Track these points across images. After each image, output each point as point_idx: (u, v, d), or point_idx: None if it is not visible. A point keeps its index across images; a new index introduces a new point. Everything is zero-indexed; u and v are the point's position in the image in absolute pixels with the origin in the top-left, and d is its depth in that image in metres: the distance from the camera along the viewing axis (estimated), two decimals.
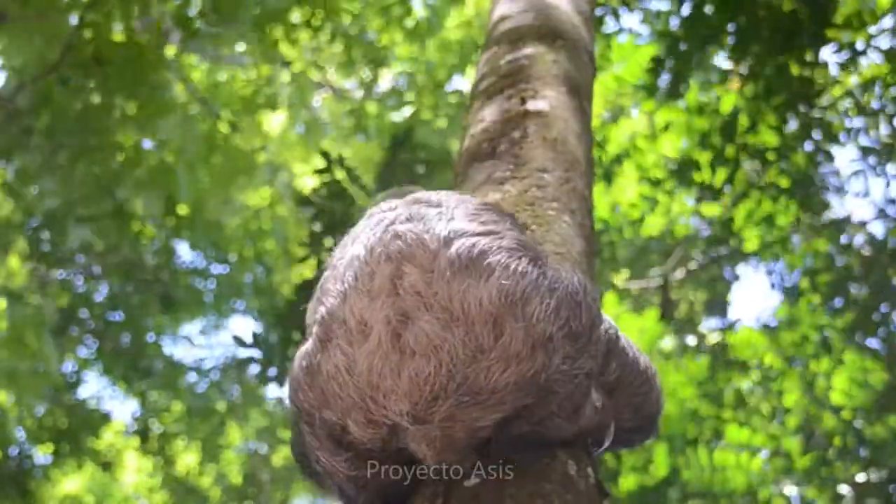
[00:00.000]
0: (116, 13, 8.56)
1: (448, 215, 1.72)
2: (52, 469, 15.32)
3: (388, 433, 1.61)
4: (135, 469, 17.62)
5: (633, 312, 10.46)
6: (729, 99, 8.06)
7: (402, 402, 1.57)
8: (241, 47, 10.26)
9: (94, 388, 32.92)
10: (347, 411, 1.62)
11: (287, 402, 1.80)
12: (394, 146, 10.52)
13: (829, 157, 8.09)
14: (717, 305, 13.15)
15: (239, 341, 8.58)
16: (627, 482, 9.16)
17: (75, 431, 15.07)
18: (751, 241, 9.68)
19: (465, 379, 1.56)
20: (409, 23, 11.93)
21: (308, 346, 1.72)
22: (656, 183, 8.34)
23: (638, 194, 9.50)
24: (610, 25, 8.11)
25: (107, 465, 16.64)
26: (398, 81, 13.57)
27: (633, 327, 9.74)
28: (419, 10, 12.39)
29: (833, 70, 7.78)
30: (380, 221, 1.74)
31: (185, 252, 16.48)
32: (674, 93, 7.48)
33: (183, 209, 12.70)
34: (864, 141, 8.67)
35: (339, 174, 8.42)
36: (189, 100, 10.53)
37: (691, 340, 11.79)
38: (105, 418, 15.86)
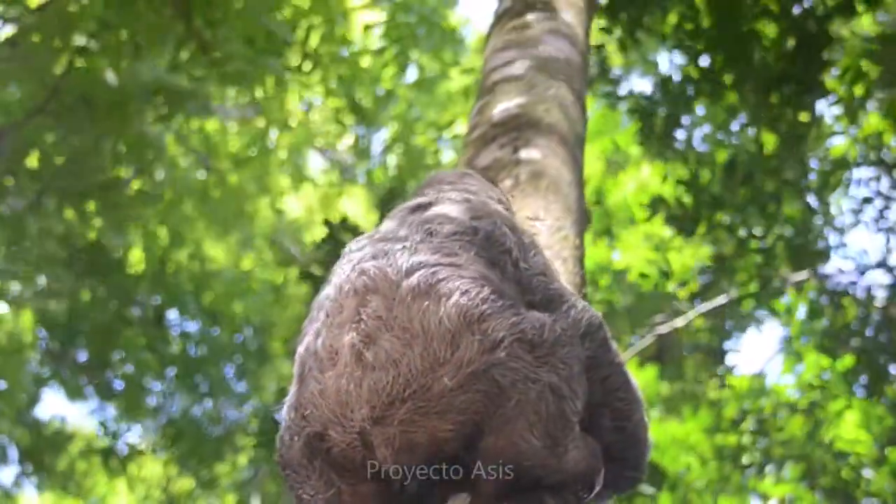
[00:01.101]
0: (106, 59, 8.60)
1: (412, 249, 1.83)
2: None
3: (361, 443, 1.68)
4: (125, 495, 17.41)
5: (633, 366, 10.46)
6: (722, 153, 8.12)
7: (364, 408, 1.66)
8: (231, 100, 10.29)
9: (54, 406, 32.72)
10: (325, 426, 1.71)
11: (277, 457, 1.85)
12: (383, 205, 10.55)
13: (826, 208, 8.13)
14: (717, 354, 13.14)
15: None
16: None
17: (39, 451, 15.06)
18: (746, 288, 9.70)
19: (422, 387, 1.65)
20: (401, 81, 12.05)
21: (290, 389, 1.83)
22: (659, 247, 8.33)
23: (643, 259, 9.50)
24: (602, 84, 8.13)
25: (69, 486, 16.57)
26: (384, 143, 13.66)
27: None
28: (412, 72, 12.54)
29: (829, 120, 7.84)
30: (349, 261, 1.87)
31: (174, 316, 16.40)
32: (668, 137, 7.51)
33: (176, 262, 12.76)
34: (865, 191, 8.75)
35: (347, 236, 8.34)
36: (182, 152, 10.56)
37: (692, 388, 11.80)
38: (69, 437, 15.80)
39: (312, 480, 1.76)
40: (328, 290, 1.86)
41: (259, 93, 10.03)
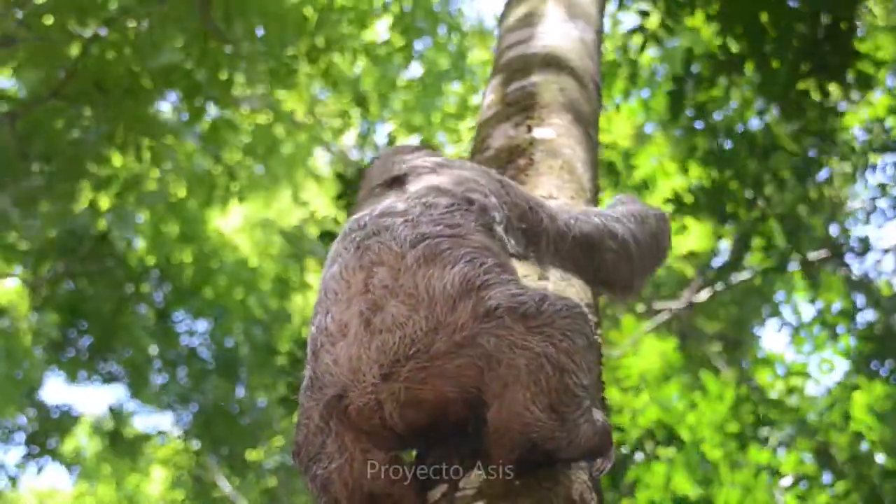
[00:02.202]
0: (123, 45, 8.60)
1: (413, 222, 1.90)
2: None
3: (375, 403, 1.73)
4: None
5: (654, 336, 10.44)
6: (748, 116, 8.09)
7: (373, 367, 1.72)
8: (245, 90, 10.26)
9: (59, 390, 33.03)
10: (344, 389, 1.76)
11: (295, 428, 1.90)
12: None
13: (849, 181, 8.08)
14: (736, 333, 13.12)
15: None
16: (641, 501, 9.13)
17: (44, 434, 15.17)
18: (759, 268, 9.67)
19: (425, 346, 1.71)
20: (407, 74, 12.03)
21: (305, 371, 1.88)
22: (682, 206, 8.26)
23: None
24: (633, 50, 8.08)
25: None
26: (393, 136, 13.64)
27: (653, 350, 9.77)
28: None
29: (845, 103, 7.80)
30: (352, 241, 1.93)
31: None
32: (698, 116, 7.49)
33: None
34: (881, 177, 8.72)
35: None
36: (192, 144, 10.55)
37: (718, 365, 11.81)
38: (74, 420, 15.89)
39: (328, 448, 1.78)
40: (334, 269, 1.91)
41: (273, 88, 10.02)
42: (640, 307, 11.70)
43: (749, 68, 6.96)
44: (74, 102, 8.87)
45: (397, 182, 2.11)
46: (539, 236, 2.11)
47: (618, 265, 2.18)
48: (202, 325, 16.10)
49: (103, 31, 8.77)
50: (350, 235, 1.96)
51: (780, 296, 12.21)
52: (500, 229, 2.04)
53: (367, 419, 1.74)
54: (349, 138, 14.45)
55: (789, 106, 6.93)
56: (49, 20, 8.55)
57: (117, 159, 9.76)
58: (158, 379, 16.12)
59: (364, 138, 14.04)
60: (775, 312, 12.46)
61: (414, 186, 2.06)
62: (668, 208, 8.33)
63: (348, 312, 1.81)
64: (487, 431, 1.72)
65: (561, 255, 2.14)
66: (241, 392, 16.37)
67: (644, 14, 6.84)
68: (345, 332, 1.79)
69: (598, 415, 1.83)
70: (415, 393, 1.72)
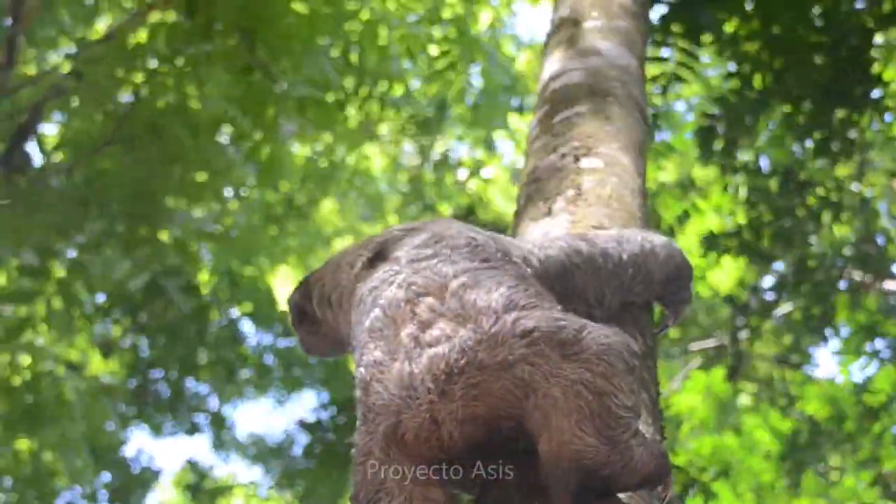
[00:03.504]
0: (171, 85, 8.72)
1: (450, 259, 1.95)
2: None
3: (432, 425, 1.73)
4: None
5: (701, 370, 10.38)
6: (780, 155, 8.04)
7: (426, 381, 1.73)
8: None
9: (137, 445, 33.26)
10: (398, 413, 1.75)
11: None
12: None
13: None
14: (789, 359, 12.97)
15: (305, 426, 8.49)
16: None
17: (127, 490, 15.23)
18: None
19: (474, 358, 1.71)
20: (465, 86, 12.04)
21: (357, 398, 1.88)
22: (718, 245, 8.22)
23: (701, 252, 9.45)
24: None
25: None
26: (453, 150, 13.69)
27: (700, 385, 9.70)
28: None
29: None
30: (389, 283, 1.95)
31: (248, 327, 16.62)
32: (729, 154, 7.46)
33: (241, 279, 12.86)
34: None
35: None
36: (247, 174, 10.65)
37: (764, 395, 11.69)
38: (155, 475, 16.00)
39: (387, 484, 1.77)
40: (374, 313, 1.92)
41: (320, 125, 10.10)
42: (676, 349, 11.64)
43: (774, 105, 6.95)
44: (130, 147, 9.00)
45: (379, 256, 2.10)
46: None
47: (586, 280, 2.18)
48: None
49: (151, 72, 8.92)
50: (386, 281, 1.97)
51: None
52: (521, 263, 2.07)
53: (426, 441, 1.75)
54: (409, 155, 14.51)
55: (821, 140, 6.91)
56: (98, 68, 8.71)
57: (177, 201, 9.87)
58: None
59: (424, 153, 14.08)
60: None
61: (406, 248, 2.06)
62: (700, 249, 8.32)
63: (396, 340, 1.83)
64: (542, 467, 1.72)
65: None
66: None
67: (661, 60, 6.81)
68: (395, 358, 1.81)
69: (653, 440, 1.82)
70: (472, 409, 1.72)
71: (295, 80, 8.87)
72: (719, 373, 9.90)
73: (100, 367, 14.01)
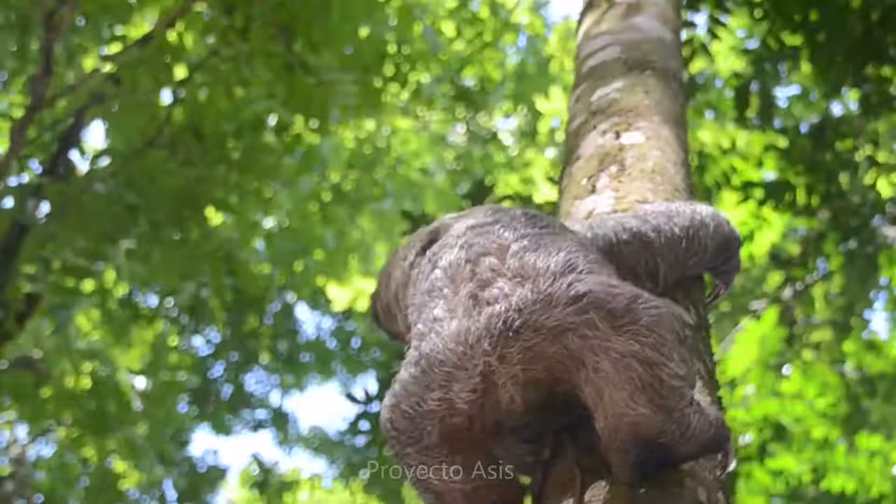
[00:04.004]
0: (212, 85, 8.78)
1: (511, 226, 1.96)
2: None
3: (483, 384, 1.75)
4: None
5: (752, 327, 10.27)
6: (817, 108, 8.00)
7: (483, 340, 1.73)
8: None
9: (203, 444, 33.50)
10: (450, 378, 1.76)
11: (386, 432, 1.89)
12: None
13: None
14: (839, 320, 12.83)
15: (351, 398, 8.51)
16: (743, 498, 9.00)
17: (196, 489, 15.39)
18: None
19: (530, 319, 1.72)
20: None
21: (407, 358, 1.87)
22: (759, 202, 8.15)
23: (745, 213, 9.38)
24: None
25: None
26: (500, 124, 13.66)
27: (753, 336, 9.62)
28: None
29: None
30: (451, 247, 1.97)
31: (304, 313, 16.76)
32: (765, 117, 7.42)
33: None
34: None
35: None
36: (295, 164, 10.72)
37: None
38: (222, 473, 16.16)
39: (433, 443, 1.80)
40: (435, 274, 1.93)
41: (360, 113, 10.14)
42: (727, 307, 11.55)
43: (805, 61, 6.89)
44: (172, 150, 9.09)
45: (433, 242, 2.11)
46: None
47: (636, 255, 2.16)
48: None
49: (190, 73, 8.99)
50: (448, 245, 1.99)
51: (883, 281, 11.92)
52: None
53: (479, 404, 1.77)
54: (457, 134, 14.48)
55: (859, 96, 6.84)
56: (137, 70, 8.78)
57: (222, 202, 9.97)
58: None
59: (472, 132, 14.06)
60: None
61: (461, 225, 2.07)
62: (737, 202, 8.25)
63: (456, 298, 1.84)
64: (601, 441, 1.75)
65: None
66: None
67: (690, 25, 6.76)
68: (455, 314, 1.82)
69: (709, 408, 1.83)
70: (532, 373, 1.74)
71: (335, 69, 8.91)
72: (771, 316, 9.78)
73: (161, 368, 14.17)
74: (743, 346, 9.73)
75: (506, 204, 6.10)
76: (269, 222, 12.28)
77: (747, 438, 8.95)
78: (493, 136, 13.52)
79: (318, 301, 15.23)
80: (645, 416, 1.70)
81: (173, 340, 14.11)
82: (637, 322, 1.71)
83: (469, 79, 12.33)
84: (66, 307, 9.97)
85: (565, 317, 1.71)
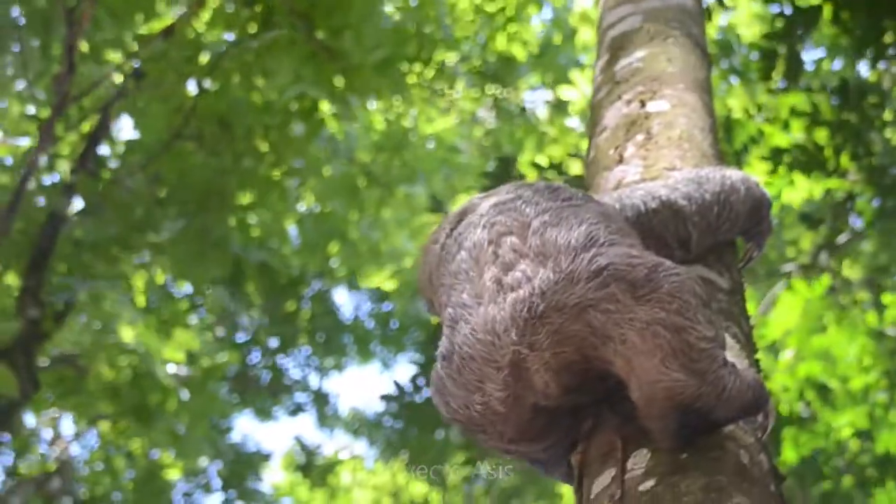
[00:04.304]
0: (237, 76, 8.81)
1: (533, 201, 1.95)
2: None
3: (512, 373, 1.78)
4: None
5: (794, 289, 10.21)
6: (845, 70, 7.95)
7: (510, 329, 1.76)
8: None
9: (244, 430, 33.71)
10: (482, 378, 1.81)
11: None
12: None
13: None
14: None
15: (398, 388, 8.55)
16: (788, 454, 8.99)
17: (240, 475, 15.53)
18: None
19: (553, 301, 1.73)
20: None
21: (441, 344, 1.92)
22: (787, 164, 8.11)
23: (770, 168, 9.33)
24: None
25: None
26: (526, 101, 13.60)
27: (795, 300, 9.58)
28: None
29: None
30: (475, 226, 1.97)
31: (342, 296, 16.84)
32: (792, 77, 7.37)
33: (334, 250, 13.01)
34: None
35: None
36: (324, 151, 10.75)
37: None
38: (265, 457, 16.29)
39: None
40: (461, 255, 1.95)
41: (385, 95, 10.15)
42: (761, 271, 11.48)
43: (826, 19, 6.83)
44: (199, 141, 9.13)
45: (461, 222, 2.11)
46: None
47: (664, 223, 2.17)
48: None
49: (214, 64, 9.02)
50: (472, 223, 2.00)
51: None
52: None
53: (512, 392, 1.81)
54: (486, 111, 14.43)
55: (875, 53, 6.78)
56: (161, 64, 8.83)
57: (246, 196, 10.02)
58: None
59: (500, 108, 14.00)
60: None
61: (487, 203, 2.08)
62: (766, 167, 8.21)
63: (481, 282, 1.85)
64: (639, 411, 1.76)
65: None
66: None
67: None
68: (481, 300, 1.83)
69: (746, 370, 1.83)
70: (563, 356, 1.75)
71: (358, 52, 8.92)
72: (818, 288, 9.74)
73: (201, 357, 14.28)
74: (784, 310, 9.70)
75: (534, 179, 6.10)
76: (301, 207, 12.34)
77: (789, 400, 8.94)
78: (522, 111, 13.45)
79: (354, 284, 15.31)
80: (679, 380, 1.71)
81: (210, 331, 14.22)
82: (658, 290, 1.72)
83: (495, 55, 12.29)
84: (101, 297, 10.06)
85: (586, 293, 1.72)
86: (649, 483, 1.75)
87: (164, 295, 10.96)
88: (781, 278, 11.33)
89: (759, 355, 2.22)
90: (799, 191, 9.46)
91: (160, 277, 10.90)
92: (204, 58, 9.04)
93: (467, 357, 1.81)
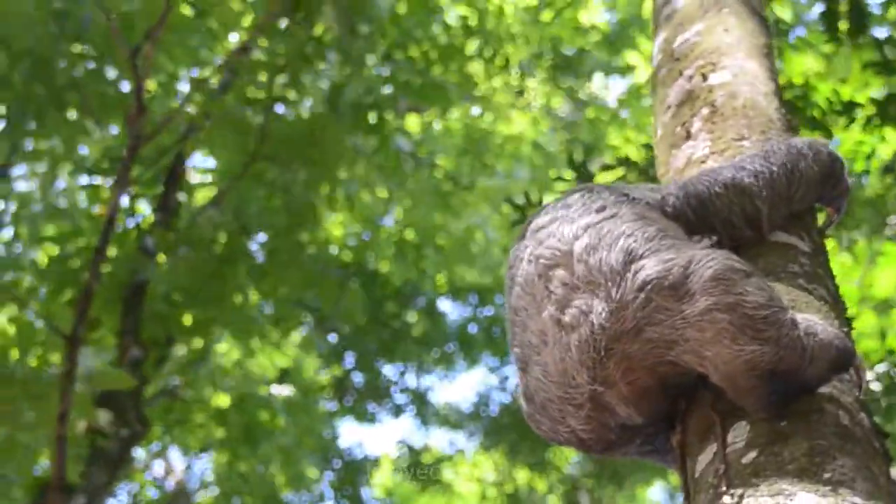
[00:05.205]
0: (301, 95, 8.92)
1: (568, 217, 2.00)
2: None
3: (594, 407, 1.86)
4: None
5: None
6: None
7: (581, 371, 1.84)
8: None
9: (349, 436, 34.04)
10: (564, 414, 1.90)
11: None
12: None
13: None
14: None
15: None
16: None
17: (351, 481, 15.70)
18: None
19: (613, 333, 1.80)
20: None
21: (519, 383, 2.04)
22: (868, 120, 7.92)
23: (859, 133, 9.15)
24: None
25: None
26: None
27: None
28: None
29: None
30: (521, 260, 2.04)
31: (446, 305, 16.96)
32: (858, 29, 7.22)
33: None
34: None
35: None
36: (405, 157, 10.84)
37: None
38: (373, 462, 16.45)
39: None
40: (515, 290, 2.03)
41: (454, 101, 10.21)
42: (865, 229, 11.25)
43: None
44: (274, 162, 9.25)
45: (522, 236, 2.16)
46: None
47: (729, 205, 2.17)
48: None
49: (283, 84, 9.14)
50: (518, 257, 2.07)
51: None
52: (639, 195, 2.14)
53: (602, 427, 1.91)
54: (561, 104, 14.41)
55: None
56: (227, 95, 8.97)
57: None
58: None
59: (574, 99, 13.98)
60: None
61: (535, 220, 2.13)
62: (844, 125, 8.03)
63: (541, 320, 1.92)
64: (728, 394, 1.79)
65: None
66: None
67: None
68: (545, 340, 1.91)
69: (826, 329, 1.84)
70: (638, 383, 1.83)
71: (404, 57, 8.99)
72: None
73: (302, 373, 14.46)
74: (890, 267, 9.51)
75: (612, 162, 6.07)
76: (388, 220, 12.50)
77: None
78: (596, 100, 13.42)
79: (456, 292, 15.44)
80: (754, 351, 1.74)
81: (310, 344, 14.38)
82: (699, 281, 1.77)
83: (564, 48, 12.28)
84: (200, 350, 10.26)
85: (636, 314, 1.78)
86: (751, 454, 1.76)
87: (261, 314, 11.11)
88: (883, 233, 11.10)
89: (869, 314, 2.22)
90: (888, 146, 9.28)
91: (255, 297, 11.06)
92: (265, 79, 9.16)
93: (545, 400, 1.91)
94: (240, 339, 11.00)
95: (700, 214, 2.15)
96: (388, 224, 12.87)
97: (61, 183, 10.65)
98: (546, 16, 11.12)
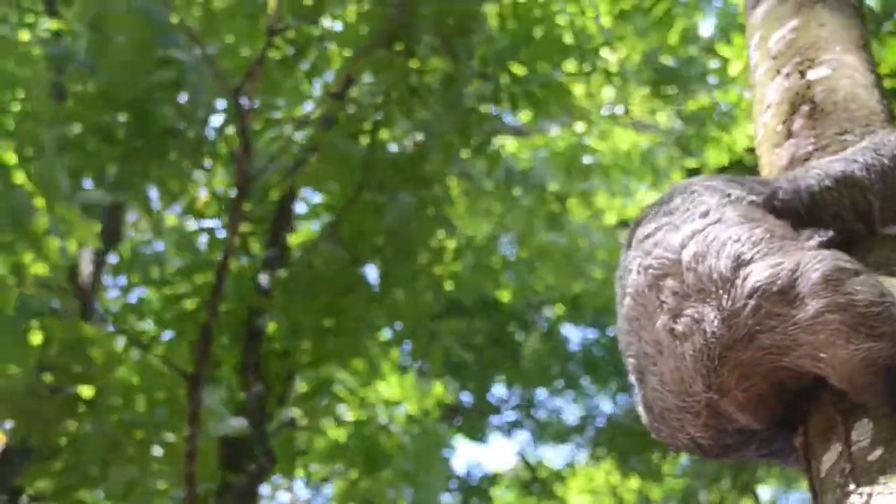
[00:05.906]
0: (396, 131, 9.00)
1: (672, 224, 2.00)
2: None
3: (711, 414, 1.85)
4: None
5: None
6: None
7: (696, 380, 1.83)
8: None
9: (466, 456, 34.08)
10: (683, 422, 1.90)
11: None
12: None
13: None
14: None
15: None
16: None
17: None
18: None
19: (727, 341, 1.79)
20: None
21: (636, 393, 2.04)
22: None
23: None
24: None
25: None
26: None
27: None
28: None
29: None
30: (629, 270, 2.03)
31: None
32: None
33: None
34: None
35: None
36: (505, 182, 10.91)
37: None
38: (491, 480, 16.46)
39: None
40: (627, 301, 2.02)
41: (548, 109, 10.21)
42: None
43: None
44: (381, 191, 9.36)
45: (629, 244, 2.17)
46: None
47: (839, 200, 2.14)
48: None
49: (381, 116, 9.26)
50: (623, 271, 2.07)
51: None
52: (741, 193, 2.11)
53: (721, 434, 1.89)
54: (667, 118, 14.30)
55: None
56: (332, 130, 9.11)
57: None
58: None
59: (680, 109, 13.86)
60: None
61: (641, 227, 2.13)
62: None
63: (654, 330, 1.92)
64: (848, 395, 1.77)
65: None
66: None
67: None
68: (660, 350, 1.90)
69: None
70: (753, 390, 1.82)
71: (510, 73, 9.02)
72: None
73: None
74: None
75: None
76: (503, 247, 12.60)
77: None
78: (703, 109, 13.26)
79: (578, 315, 15.47)
80: (870, 348, 1.72)
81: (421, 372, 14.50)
82: (808, 284, 1.75)
83: (669, 58, 12.17)
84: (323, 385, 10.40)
85: (748, 321, 1.77)
86: (878, 452, 1.74)
87: (379, 343, 11.25)
88: None
89: None
90: None
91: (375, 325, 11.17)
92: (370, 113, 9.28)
93: (663, 409, 1.92)
94: (359, 371, 11.11)
95: (810, 209, 2.13)
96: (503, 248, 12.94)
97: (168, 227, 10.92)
98: (648, 22, 11.03)
